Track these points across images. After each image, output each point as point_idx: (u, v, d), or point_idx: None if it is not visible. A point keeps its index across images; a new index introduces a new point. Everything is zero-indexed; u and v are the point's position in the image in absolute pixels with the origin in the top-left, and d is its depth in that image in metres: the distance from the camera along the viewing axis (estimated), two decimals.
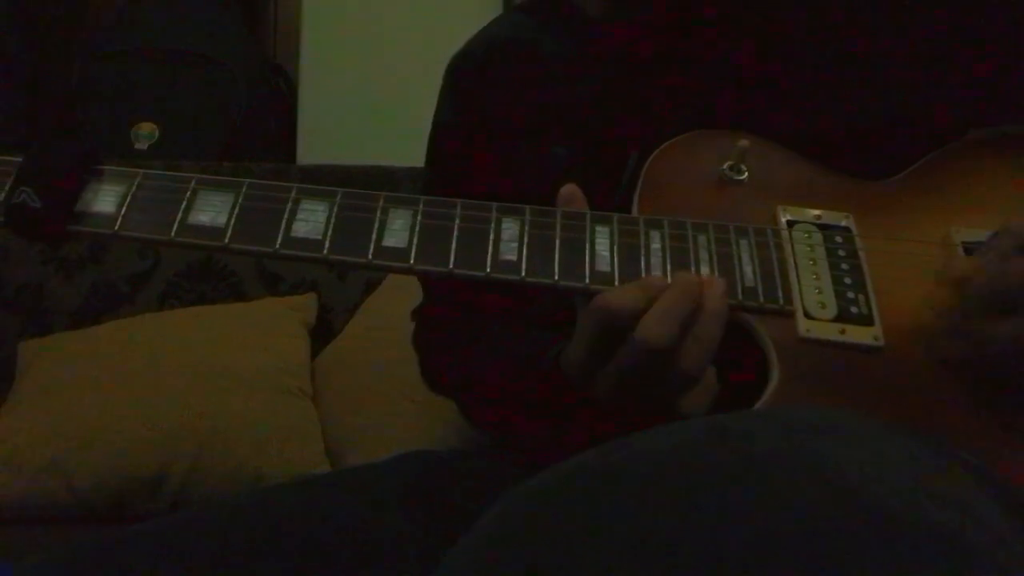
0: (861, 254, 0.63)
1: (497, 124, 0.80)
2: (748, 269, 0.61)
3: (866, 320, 0.60)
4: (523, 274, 0.59)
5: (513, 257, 0.59)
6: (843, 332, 0.59)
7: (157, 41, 1.87)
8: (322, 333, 1.52)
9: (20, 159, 0.59)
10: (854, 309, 0.60)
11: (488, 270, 0.59)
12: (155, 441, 1.26)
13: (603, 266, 0.59)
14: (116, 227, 0.59)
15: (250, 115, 1.88)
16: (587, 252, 0.60)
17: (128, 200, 0.60)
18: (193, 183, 0.61)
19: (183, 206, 0.60)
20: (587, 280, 0.59)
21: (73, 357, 1.42)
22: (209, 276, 1.58)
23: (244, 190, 0.61)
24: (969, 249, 0.63)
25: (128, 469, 1.24)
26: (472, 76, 0.84)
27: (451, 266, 0.59)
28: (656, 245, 0.61)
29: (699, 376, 0.56)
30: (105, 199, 0.60)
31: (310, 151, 2.00)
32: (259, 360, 1.39)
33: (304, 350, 1.47)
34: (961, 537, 0.36)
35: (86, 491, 1.23)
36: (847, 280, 0.61)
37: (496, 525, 0.40)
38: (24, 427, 1.29)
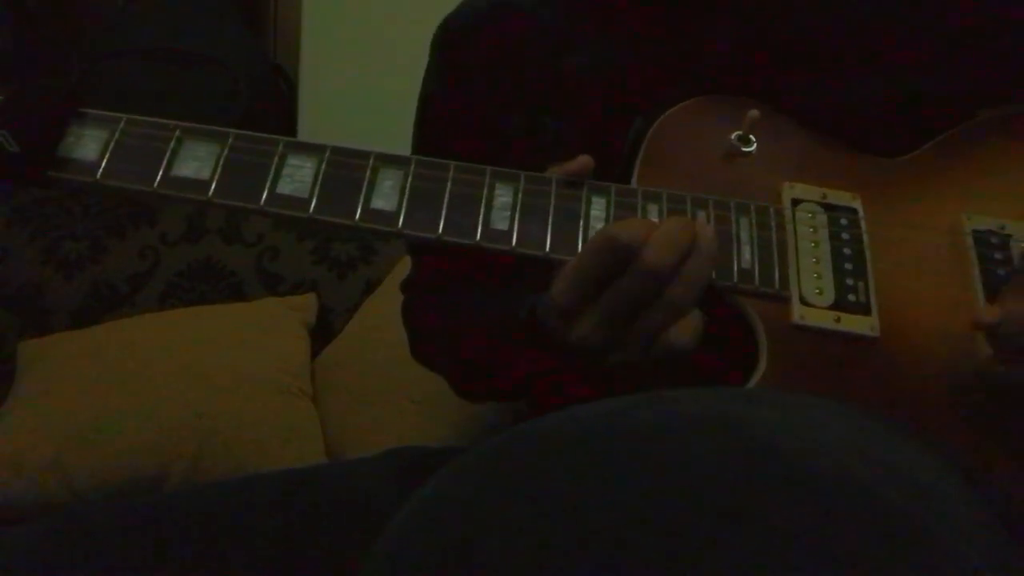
0: (865, 239, 0.61)
1: (488, 94, 0.77)
2: (746, 250, 0.59)
3: (863, 309, 0.59)
4: (514, 244, 0.58)
5: (504, 226, 0.58)
6: (838, 320, 0.58)
7: (157, 41, 1.87)
8: (322, 333, 1.52)
9: None
10: (852, 297, 0.59)
11: (478, 238, 0.58)
12: (155, 441, 1.26)
13: None
14: (98, 175, 0.57)
15: (250, 115, 1.87)
16: (581, 224, 0.59)
17: (111, 147, 0.58)
18: (178, 132, 0.59)
19: (167, 156, 0.58)
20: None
21: (73, 357, 1.41)
22: (209, 276, 1.58)
23: (230, 141, 0.59)
24: (979, 237, 0.62)
25: (128, 469, 1.24)
26: (462, 44, 0.80)
27: (440, 232, 0.58)
28: (653, 219, 0.59)
29: (679, 317, 0.55)
30: (87, 145, 0.58)
31: None
32: (259, 360, 1.39)
33: (304, 350, 1.47)
34: (878, 495, 0.35)
35: (86, 491, 1.23)
36: (848, 266, 0.60)
37: (430, 501, 0.40)
38: (24, 427, 1.29)
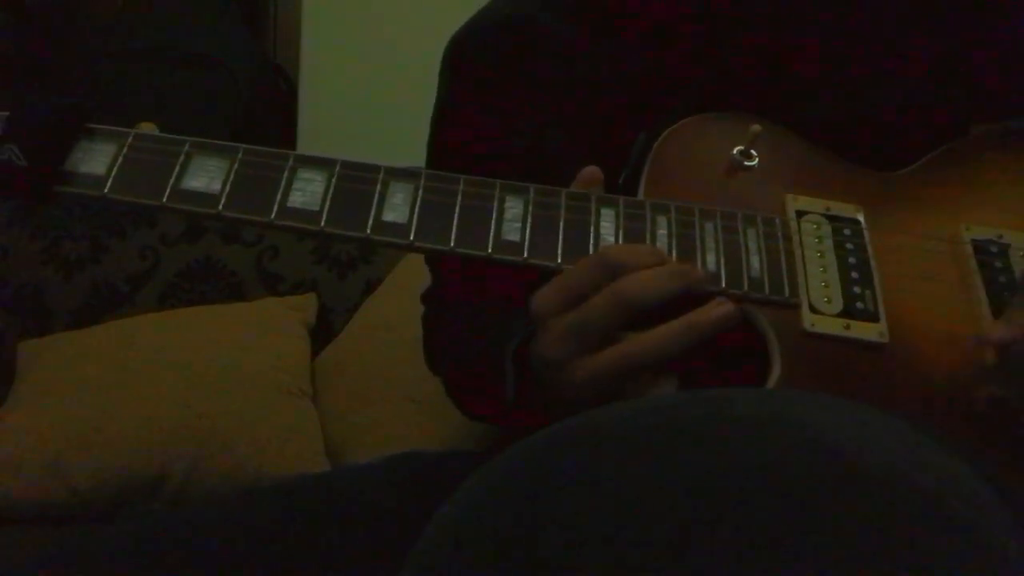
0: (870, 248, 0.62)
1: (497, 107, 0.78)
2: (755, 260, 0.60)
3: (872, 316, 0.59)
4: (525, 255, 0.58)
5: (516, 237, 0.58)
6: (848, 328, 0.59)
7: (157, 41, 1.87)
8: (322, 333, 1.52)
9: (6, 114, 0.57)
10: (860, 305, 0.59)
11: (490, 250, 0.58)
12: (155, 441, 1.26)
13: None
14: (106, 189, 0.57)
15: (250, 115, 1.87)
16: (591, 235, 0.59)
17: (119, 162, 0.57)
18: (187, 146, 0.59)
19: (176, 170, 0.58)
20: None
21: (73, 357, 1.41)
22: (209, 276, 1.58)
23: (240, 156, 0.59)
24: (979, 246, 0.63)
25: (128, 469, 1.24)
26: (472, 58, 0.81)
27: (452, 244, 0.58)
28: (662, 231, 0.60)
29: (649, 365, 0.55)
30: (95, 159, 0.57)
31: (310, 151, 2.00)
32: (259, 360, 1.39)
33: (304, 350, 1.47)
34: (941, 501, 0.36)
35: (86, 491, 1.23)
36: (854, 274, 0.61)
37: (480, 498, 0.39)
38: (24, 427, 1.29)
